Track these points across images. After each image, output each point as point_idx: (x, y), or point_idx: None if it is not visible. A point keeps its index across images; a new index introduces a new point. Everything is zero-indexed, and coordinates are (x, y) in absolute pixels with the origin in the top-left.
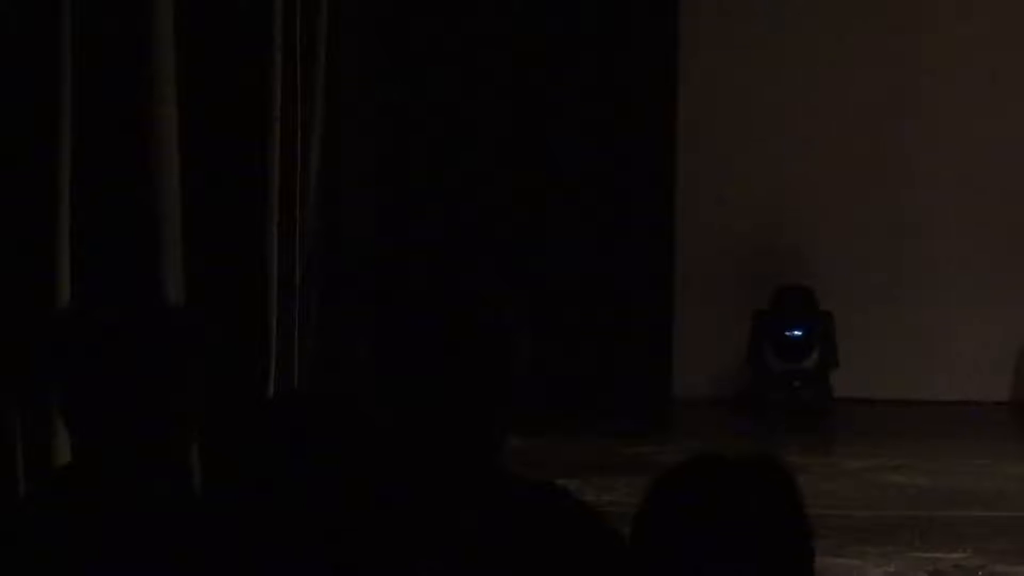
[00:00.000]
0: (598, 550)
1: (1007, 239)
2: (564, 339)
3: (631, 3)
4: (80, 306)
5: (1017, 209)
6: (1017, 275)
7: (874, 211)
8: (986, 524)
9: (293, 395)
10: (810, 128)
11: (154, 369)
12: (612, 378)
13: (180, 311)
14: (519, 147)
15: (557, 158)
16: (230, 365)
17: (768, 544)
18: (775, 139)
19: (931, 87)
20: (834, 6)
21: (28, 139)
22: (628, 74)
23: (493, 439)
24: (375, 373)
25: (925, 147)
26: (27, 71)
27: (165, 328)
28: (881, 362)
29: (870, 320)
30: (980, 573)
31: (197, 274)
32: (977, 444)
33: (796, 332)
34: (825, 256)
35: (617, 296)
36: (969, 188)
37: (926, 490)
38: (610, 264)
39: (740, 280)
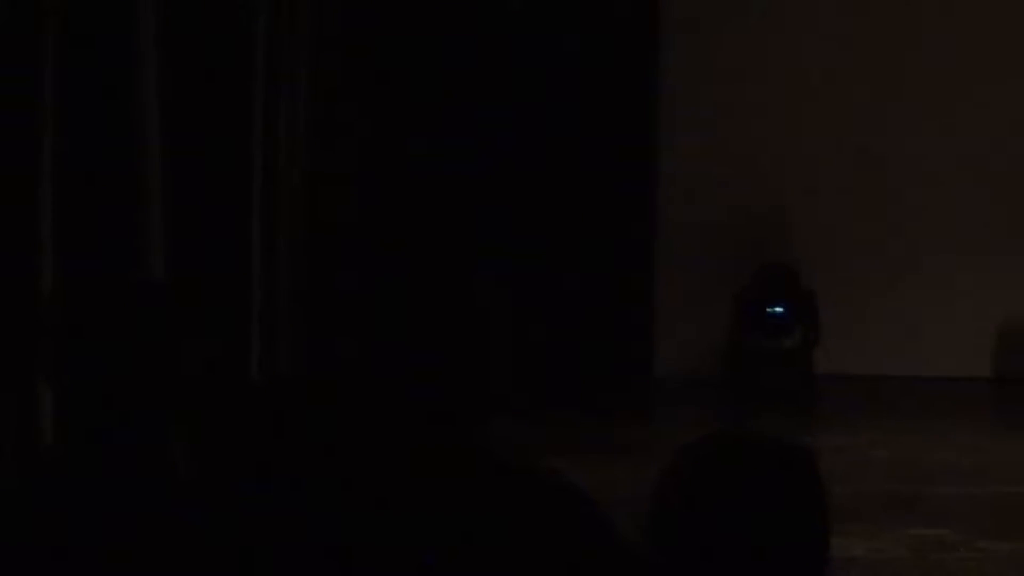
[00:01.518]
0: (583, 532)
1: (985, 219)
2: (544, 318)
3: None
4: (82, 283)
5: (994, 191)
6: (995, 254)
7: (856, 190)
8: (968, 500)
9: (277, 379)
10: (794, 107)
11: (154, 343)
12: (593, 357)
13: (173, 285)
14: (499, 126)
15: (537, 136)
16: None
17: (790, 531)
18: (758, 119)
19: (913, 72)
20: None
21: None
22: (609, 52)
23: (475, 418)
24: (359, 355)
25: (908, 129)
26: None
27: (164, 302)
28: (863, 339)
29: (852, 298)
30: (962, 549)
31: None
32: (958, 420)
33: (778, 310)
34: (807, 234)
35: (597, 274)
36: (949, 170)
37: (908, 466)
38: (590, 242)
39: (722, 258)
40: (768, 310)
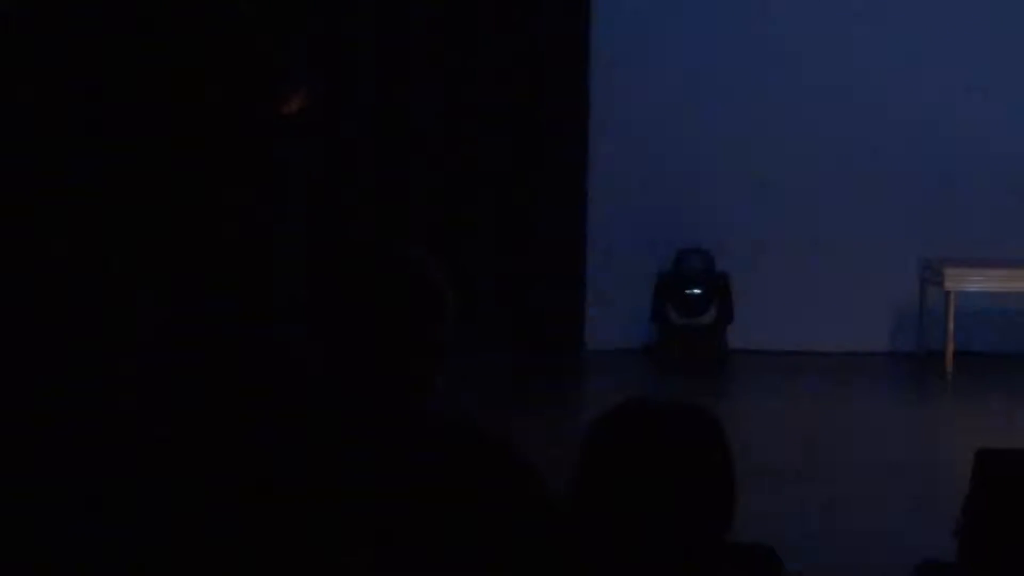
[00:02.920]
0: (514, 481)
1: (876, 208)
2: (491, 296)
3: None
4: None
5: (900, 172)
6: (886, 240)
7: (765, 182)
8: (866, 463)
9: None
10: (707, 114)
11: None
12: (532, 330)
13: None
14: (440, 125)
15: (488, 143)
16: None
17: (698, 486)
18: (677, 123)
19: (810, 76)
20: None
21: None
22: (540, 59)
23: (426, 383)
24: (313, 329)
25: (807, 129)
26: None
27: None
28: (770, 317)
29: (762, 279)
30: (860, 509)
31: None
32: (855, 390)
33: (695, 291)
34: (721, 224)
35: (535, 259)
36: (854, 155)
37: (811, 430)
38: (532, 233)
39: (646, 244)
40: (687, 291)
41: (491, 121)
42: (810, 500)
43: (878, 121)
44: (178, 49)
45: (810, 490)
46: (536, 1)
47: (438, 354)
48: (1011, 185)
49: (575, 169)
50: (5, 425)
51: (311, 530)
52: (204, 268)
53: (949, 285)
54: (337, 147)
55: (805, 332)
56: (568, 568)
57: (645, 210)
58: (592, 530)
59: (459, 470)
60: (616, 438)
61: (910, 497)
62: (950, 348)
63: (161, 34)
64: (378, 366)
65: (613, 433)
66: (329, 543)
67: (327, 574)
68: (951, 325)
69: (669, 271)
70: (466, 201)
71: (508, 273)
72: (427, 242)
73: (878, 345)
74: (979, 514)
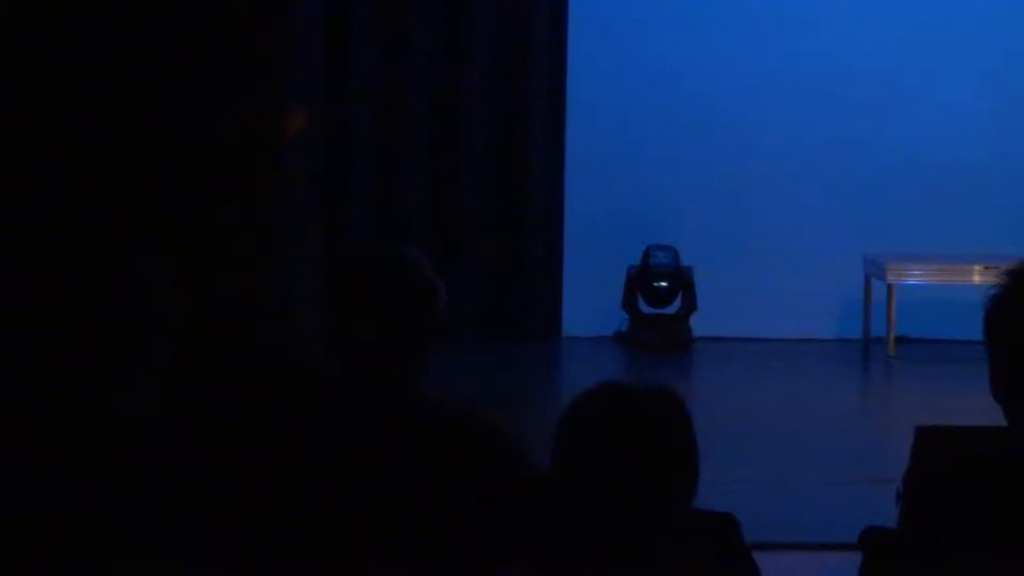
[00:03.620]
0: (501, 458)
1: (837, 200)
2: (478, 287)
3: None
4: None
5: (846, 175)
6: (833, 236)
7: (726, 183)
8: (823, 440)
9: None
10: (673, 125)
11: None
12: (514, 319)
13: None
14: (427, 127)
15: (461, 135)
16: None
17: (665, 454)
18: (647, 135)
19: (765, 79)
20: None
21: None
22: (524, 72)
23: (420, 365)
24: (321, 320)
25: (766, 133)
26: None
27: None
28: (732, 307)
29: (723, 273)
30: (806, 484)
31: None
32: (812, 373)
33: (662, 283)
34: (686, 222)
35: (518, 254)
36: (805, 160)
37: (770, 411)
38: (514, 231)
39: (618, 241)
40: (654, 284)
41: (476, 124)
42: (765, 472)
43: (827, 129)
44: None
45: (765, 463)
46: (519, 14)
47: (431, 340)
48: (946, 186)
49: (554, 173)
50: (17, 417)
51: (315, 500)
52: (219, 262)
53: (890, 278)
54: (335, 143)
55: (761, 321)
56: (548, 532)
57: (617, 210)
58: (570, 498)
59: (451, 442)
60: (593, 416)
61: (856, 469)
62: (891, 335)
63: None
64: (377, 351)
65: (590, 411)
66: (332, 511)
67: (330, 541)
68: (892, 314)
69: (638, 265)
70: (452, 200)
71: (494, 266)
72: (419, 241)
73: (827, 332)
74: (918, 485)
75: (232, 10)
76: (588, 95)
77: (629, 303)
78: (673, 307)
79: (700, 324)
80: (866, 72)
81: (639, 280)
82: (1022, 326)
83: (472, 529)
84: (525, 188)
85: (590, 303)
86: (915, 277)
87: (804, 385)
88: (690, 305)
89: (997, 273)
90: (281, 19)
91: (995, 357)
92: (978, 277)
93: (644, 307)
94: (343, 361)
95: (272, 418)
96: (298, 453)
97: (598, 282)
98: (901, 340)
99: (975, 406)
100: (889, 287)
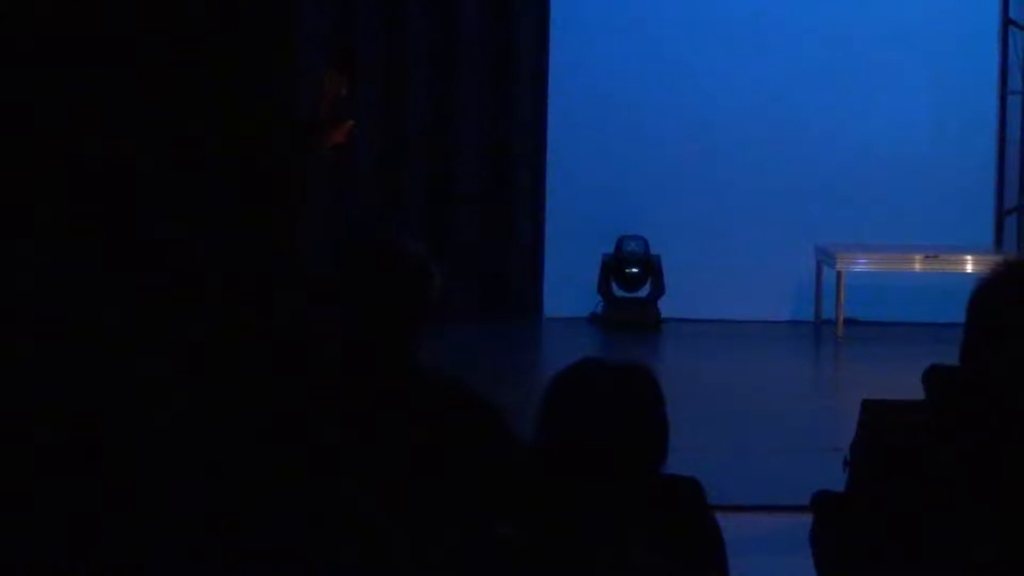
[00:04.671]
0: (490, 426)
1: (792, 195)
2: (466, 271)
3: None
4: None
5: (799, 171)
6: (791, 226)
7: (693, 179)
8: (777, 412)
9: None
10: (644, 125)
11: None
12: (499, 300)
13: None
14: (421, 126)
15: (452, 132)
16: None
17: (638, 424)
18: (619, 133)
19: (729, 82)
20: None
21: None
22: (509, 75)
23: (416, 344)
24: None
25: (728, 133)
26: None
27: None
28: (697, 292)
29: (688, 261)
30: (773, 452)
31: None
32: (767, 352)
33: (634, 270)
34: (656, 214)
35: (504, 242)
36: (762, 158)
37: (730, 386)
38: (500, 220)
39: (594, 231)
40: (627, 270)
41: (466, 125)
42: (727, 441)
43: (783, 130)
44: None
45: (727, 433)
46: (505, 19)
47: (426, 321)
48: (891, 182)
49: (536, 170)
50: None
51: (320, 468)
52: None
53: (840, 266)
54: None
55: (723, 304)
56: (531, 496)
57: (593, 203)
58: (552, 465)
59: (445, 411)
60: (574, 388)
61: (808, 439)
62: (840, 317)
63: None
64: (379, 331)
65: (570, 385)
66: (335, 480)
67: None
68: (842, 298)
69: (612, 253)
70: (445, 194)
71: (482, 254)
72: (417, 227)
73: (782, 315)
74: (864, 452)
75: (235, 17)
76: (566, 100)
77: (604, 287)
78: (643, 291)
79: (667, 307)
80: (820, 75)
81: (613, 266)
82: (1005, 311)
83: (465, 491)
84: (510, 184)
85: (568, 287)
86: (862, 265)
87: (761, 362)
88: (659, 290)
89: (992, 262)
90: (287, 34)
91: (972, 337)
92: (919, 265)
93: (617, 291)
94: (344, 337)
95: (283, 392)
96: (303, 424)
97: (576, 268)
98: (849, 322)
99: (915, 382)
100: (838, 274)
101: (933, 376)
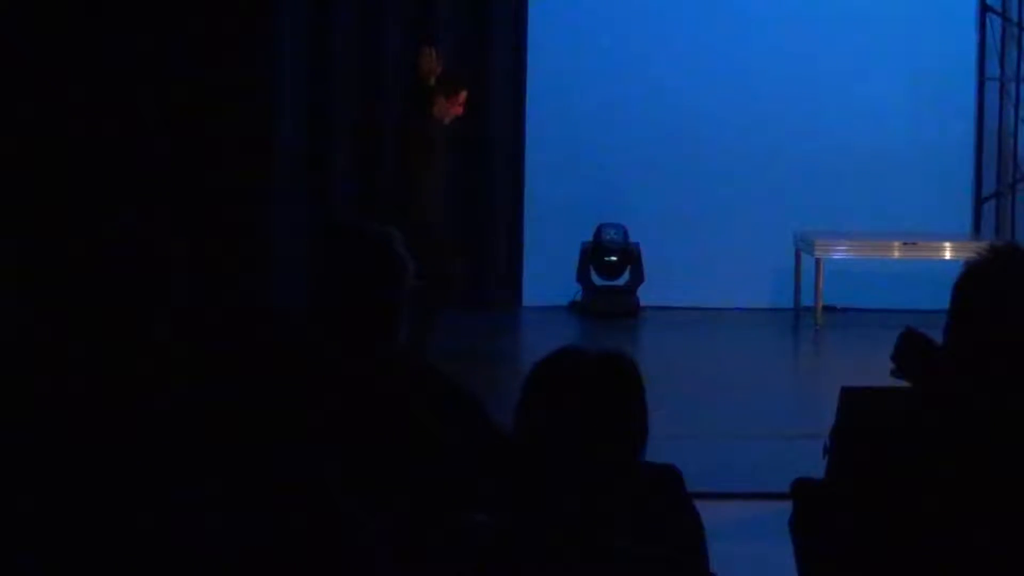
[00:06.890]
0: (465, 413)
1: (771, 183)
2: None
3: None
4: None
5: (778, 160)
6: (765, 217)
7: (671, 168)
8: (757, 398)
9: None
10: (623, 116)
11: None
12: (481, 289)
13: None
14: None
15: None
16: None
17: (618, 411)
18: (598, 124)
19: (710, 74)
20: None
21: None
22: (489, 75)
23: (391, 333)
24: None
25: (708, 123)
26: None
27: None
28: (676, 279)
29: (667, 249)
30: (747, 436)
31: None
32: (747, 339)
33: (612, 258)
34: (634, 202)
35: (484, 233)
36: (741, 147)
37: (710, 373)
38: (480, 209)
39: (573, 220)
40: (606, 258)
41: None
42: (706, 428)
43: (762, 120)
44: None
45: (706, 420)
46: (481, 7)
47: (402, 310)
48: (869, 170)
49: (515, 160)
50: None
51: (298, 451)
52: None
53: (818, 253)
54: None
55: (701, 292)
56: (512, 483)
57: (572, 192)
58: (533, 452)
59: (422, 398)
60: (555, 377)
61: (787, 426)
62: (819, 304)
63: None
64: (354, 320)
65: (551, 373)
66: (311, 462)
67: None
68: (820, 285)
69: (591, 242)
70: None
71: (463, 244)
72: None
73: (761, 302)
74: (843, 439)
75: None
76: (545, 90)
77: (583, 276)
78: (622, 279)
79: (646, 295)
80: (800, 67)
81: (592, 255)
82: (990, 295)
83: (442, 474)
84: (489, 176)
85: (548, 276)
86: (841, 252)
87: (740, 350)
88: (637, 278)
89: (970, 248)
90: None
91: (956, 320)
92: (897, 252)
93: (596, 279)
94: (323, 326)
95: (267, 376)
96: (286, 409)
97: (555, 257)
98: (828, 309)
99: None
100: (817, 261)
101: (907, 342)
